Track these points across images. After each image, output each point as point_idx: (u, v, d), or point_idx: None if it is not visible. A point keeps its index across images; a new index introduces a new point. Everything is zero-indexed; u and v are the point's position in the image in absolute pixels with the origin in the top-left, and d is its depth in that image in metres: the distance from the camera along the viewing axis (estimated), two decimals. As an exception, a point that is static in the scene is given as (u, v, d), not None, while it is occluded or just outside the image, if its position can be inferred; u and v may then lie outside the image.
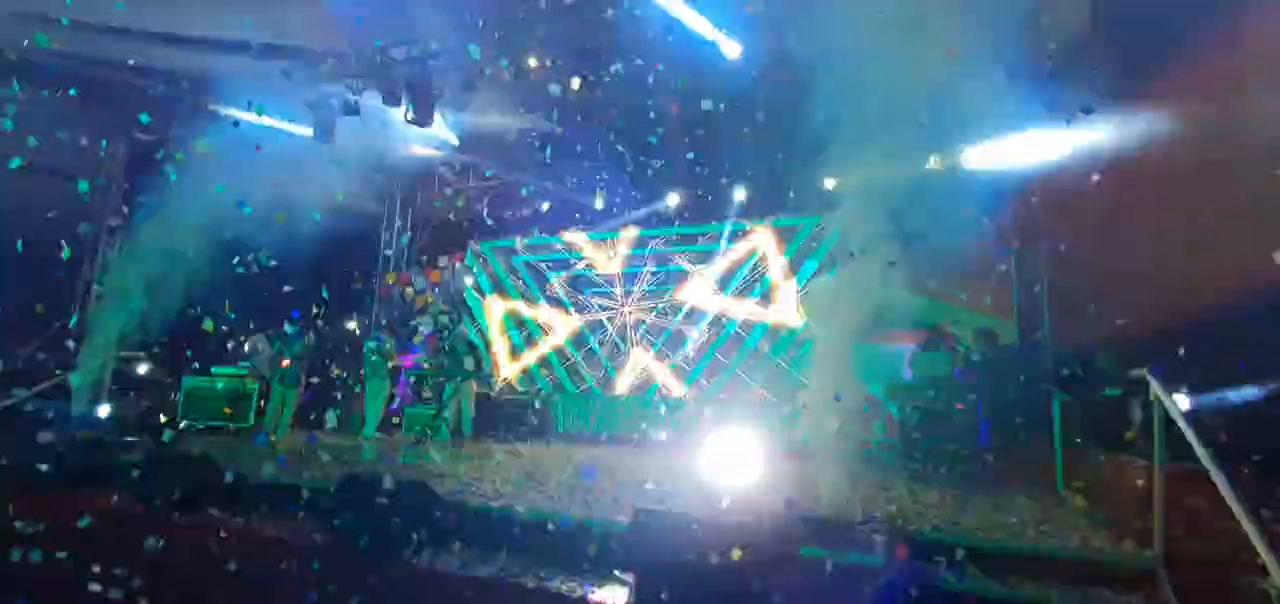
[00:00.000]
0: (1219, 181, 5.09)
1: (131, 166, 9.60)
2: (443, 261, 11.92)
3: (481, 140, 10.06)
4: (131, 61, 8.15)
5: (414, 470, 6.03)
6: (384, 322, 11.54)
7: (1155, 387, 3.81)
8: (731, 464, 4.96)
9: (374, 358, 8.76)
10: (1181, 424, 3.52)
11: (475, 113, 9.08)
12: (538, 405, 9.51)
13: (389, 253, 12.30)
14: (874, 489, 5.59)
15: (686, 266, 9.92)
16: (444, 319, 8.98)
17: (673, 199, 10.05)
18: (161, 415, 8.16)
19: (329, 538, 4.38)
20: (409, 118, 8.16)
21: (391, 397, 9.09)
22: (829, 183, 7.66)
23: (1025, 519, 4.59)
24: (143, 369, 8.66)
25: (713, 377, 9.43)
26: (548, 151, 9.64)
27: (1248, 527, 3.03)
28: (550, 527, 4.23)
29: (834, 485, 4.76)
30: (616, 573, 3.81)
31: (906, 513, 4.73)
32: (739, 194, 9.51)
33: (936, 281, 7.51)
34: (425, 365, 9.68)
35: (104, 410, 7.66)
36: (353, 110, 8.37)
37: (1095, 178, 5.64)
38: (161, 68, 8.37)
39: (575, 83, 7.28)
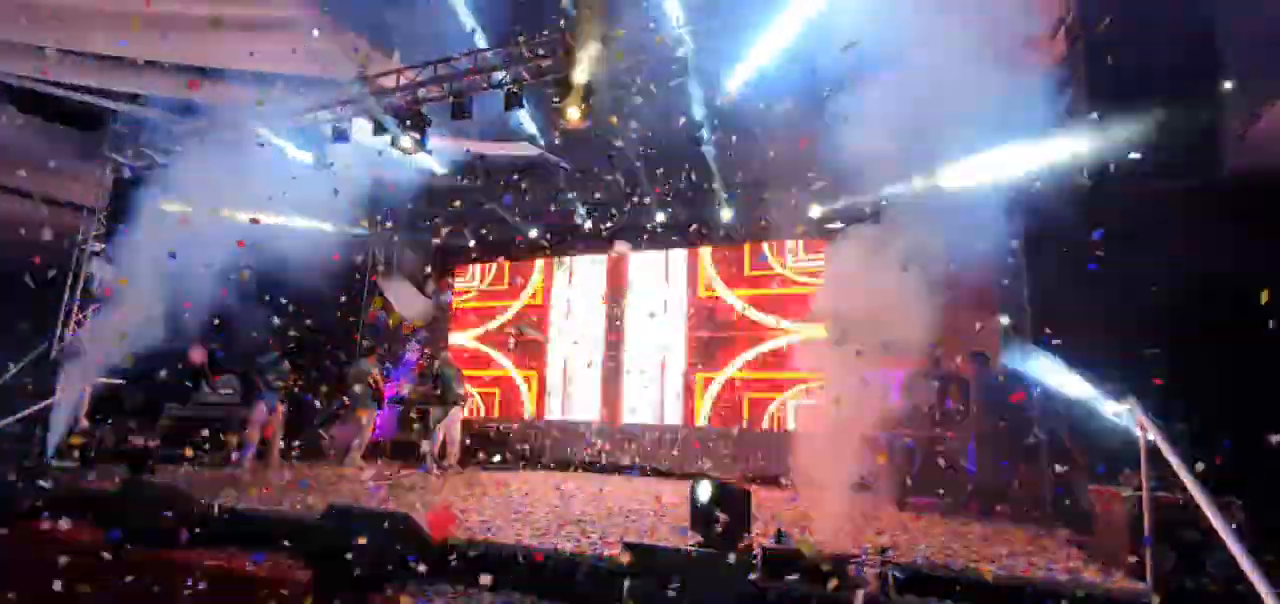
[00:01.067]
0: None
1: (116, 191, 9.50)
2: (430, 287, 11.84)
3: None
4: (118, 87, 8.11)
5: (397, 501, 5.90)
6: (368, 347, 11.39)
7: (1140, 415, 3.80)
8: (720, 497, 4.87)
9: (357, 385, 8.62)
10: (1167, 453, 3.50)
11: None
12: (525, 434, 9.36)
13: (374, 276, 12.19)
14: (863, 520, 5.52)
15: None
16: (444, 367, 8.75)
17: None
18: (139, 443, 7.97)
19: (308, 572, 4.25)
20: (399, 146, 8.14)
21: (375, 425, 8.93)
22: (815, 210, 7.66)
23: (1016, 550, 4.54)
24: (122, 396, 8.48)
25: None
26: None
27: (1241, 559, 3.00)
28: (537, 560, 4.13)
29: (823, 516, 4.68)
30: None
31: (896, 544, 4.67)
32: (727, 214, 9.56)
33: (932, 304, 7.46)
34: (410, 392, 9.52)
35: (79, 439, 7.48)
36: (342, 138, 8.36)
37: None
38: (149, 94, 8.33)
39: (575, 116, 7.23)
